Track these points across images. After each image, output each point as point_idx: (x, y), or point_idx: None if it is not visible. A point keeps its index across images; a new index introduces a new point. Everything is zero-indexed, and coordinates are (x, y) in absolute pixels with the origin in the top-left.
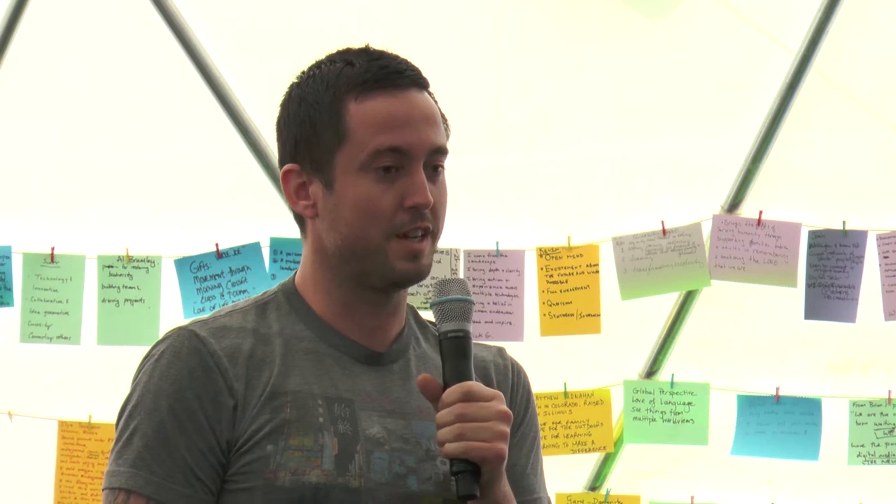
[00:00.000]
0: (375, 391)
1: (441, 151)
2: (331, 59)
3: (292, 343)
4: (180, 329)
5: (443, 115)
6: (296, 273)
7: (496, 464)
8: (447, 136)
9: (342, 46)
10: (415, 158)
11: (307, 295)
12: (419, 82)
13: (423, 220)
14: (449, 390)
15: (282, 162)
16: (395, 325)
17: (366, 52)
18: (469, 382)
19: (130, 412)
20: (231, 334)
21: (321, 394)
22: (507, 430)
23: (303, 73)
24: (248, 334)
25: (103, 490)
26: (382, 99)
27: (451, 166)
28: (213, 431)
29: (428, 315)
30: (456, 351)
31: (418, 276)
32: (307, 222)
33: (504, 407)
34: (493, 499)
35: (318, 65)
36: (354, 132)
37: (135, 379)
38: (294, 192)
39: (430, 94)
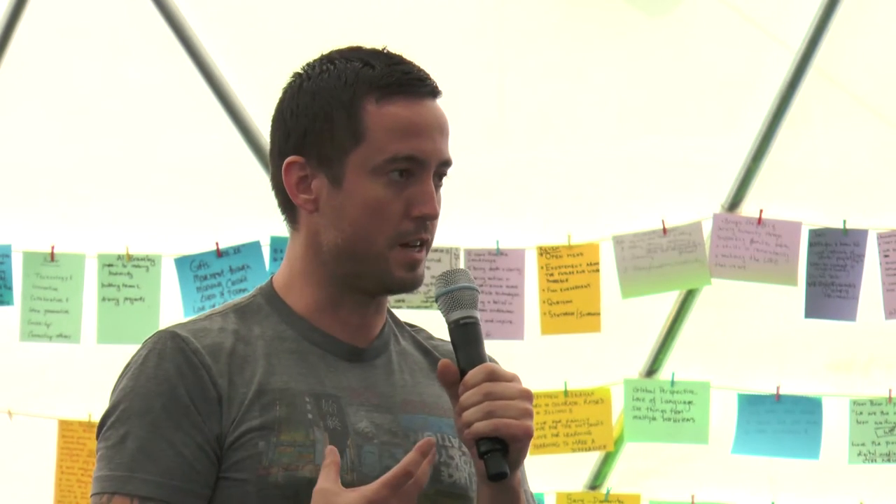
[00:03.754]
0: (360, 386)
1: (449, 164)
2: (344, 57)
3: (275, 343)
4: (160, 332)
5: None
6: (273, 276)
7: (525, 441)
8: None
9: (348, 44)
10: (427, 168)
11: (290, 293)
12: (436, 92)
13: (425, 231)
14: (472, 371)
15: (281, 153)
16: (378, 322)
17: (384, 55)
18: (491, 364)
19: (118, 417)
20: (211, 334)
21: (308, 390)
22: (532, 408)
23: (310, 65)
24: (229, 335)
25: (92, 496)
26: (403, 105)
27: (451, 165)
28: (206, 426)
29: (408, 317)
30: (469, 337)
31: (414, 285)
32: (301, 216)
33: (525, 387)
34: (510, 483)
35: (330, 60)
36: (372, 134)
37: (116, 387)
38: (295, 184)
39: None
